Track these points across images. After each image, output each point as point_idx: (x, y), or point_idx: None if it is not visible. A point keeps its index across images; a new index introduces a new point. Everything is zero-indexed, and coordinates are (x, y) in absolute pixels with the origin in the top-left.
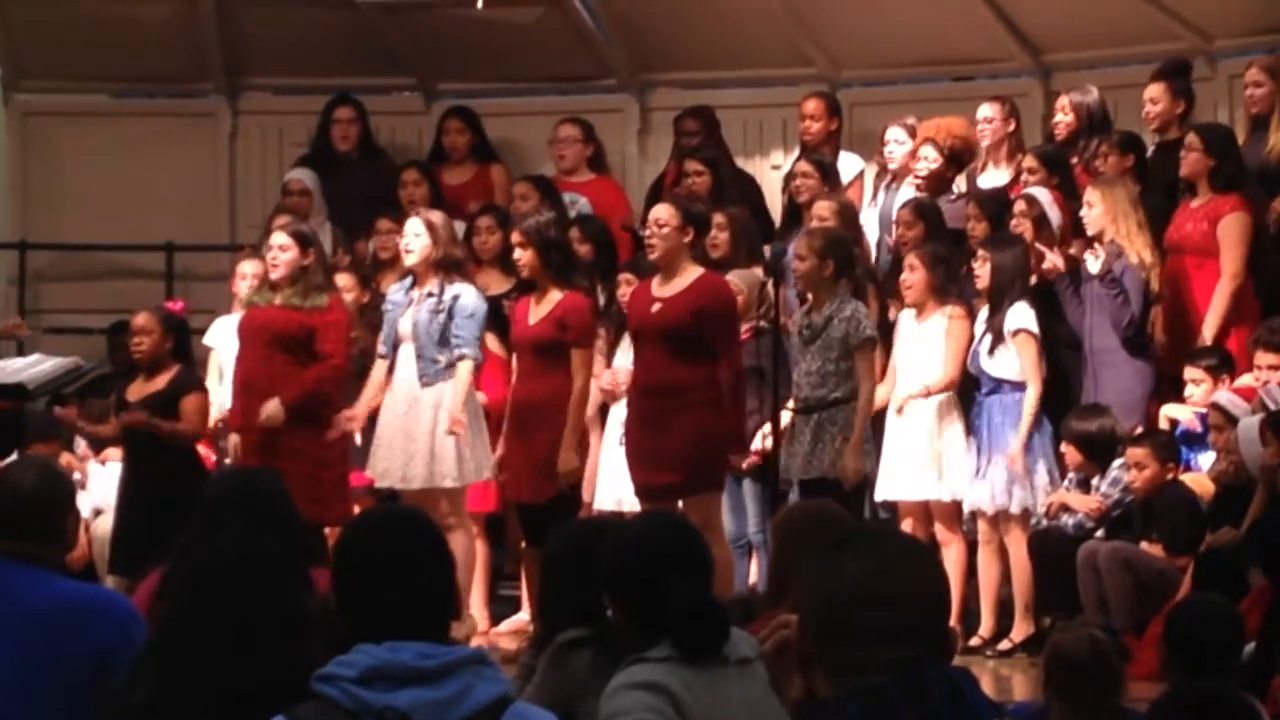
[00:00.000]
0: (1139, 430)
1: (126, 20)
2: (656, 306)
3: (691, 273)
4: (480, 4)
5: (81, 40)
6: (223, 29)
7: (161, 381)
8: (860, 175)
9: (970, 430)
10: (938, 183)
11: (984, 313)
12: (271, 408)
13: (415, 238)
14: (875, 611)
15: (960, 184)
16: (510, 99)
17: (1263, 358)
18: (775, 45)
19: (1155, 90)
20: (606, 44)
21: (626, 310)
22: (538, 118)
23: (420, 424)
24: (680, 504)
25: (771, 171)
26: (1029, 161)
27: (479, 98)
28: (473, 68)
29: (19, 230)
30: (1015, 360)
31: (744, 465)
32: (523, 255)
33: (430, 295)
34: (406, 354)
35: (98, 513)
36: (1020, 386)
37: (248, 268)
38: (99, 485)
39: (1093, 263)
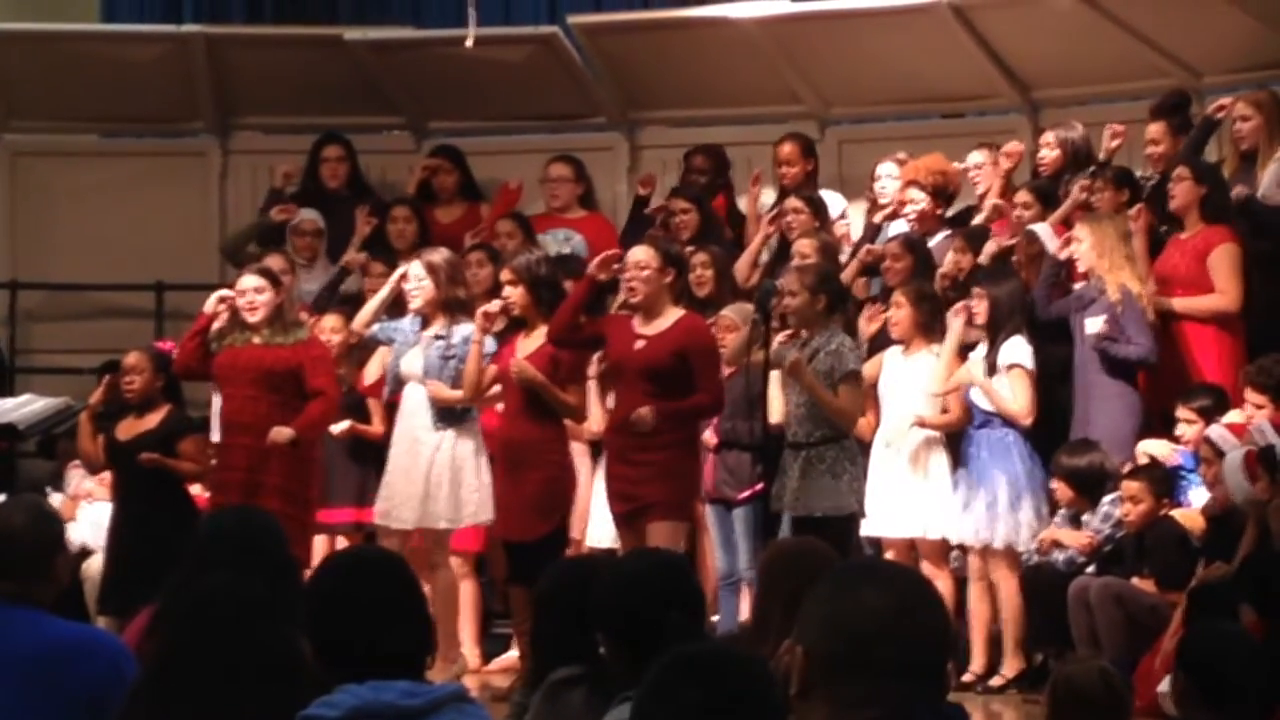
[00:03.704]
0: (1128, 466)
1: (117, 60)
2: (640, 344)
3: (673, 313)
4: (470, 43)
5: (72, 80)
6: (212, 69)
7: (153, 421)
8: (844, 214)
9: (961, 463)
10: (929, 221)
11: (982, 348)
12: (282, 432)
13: (418, 282)
14: (897, 648)
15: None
16: (500, 137)
17: (1252, 396)
18: (764, 83)
19: (1156, 130)
20: (596, 82)
21: (607, 347)
22: (527, 156)
23: (418, 465)
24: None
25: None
26: (1022, 196)
27: (468, 136)
28: (462, 106)
29: (9, 270)
30: (1009, 395)
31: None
32: (513, 292)
33: (439, 338)
34: (414, 394)
35: (87, 553)
36: (1010, 423)
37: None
38: (84, 524)
39: (1093, 324)
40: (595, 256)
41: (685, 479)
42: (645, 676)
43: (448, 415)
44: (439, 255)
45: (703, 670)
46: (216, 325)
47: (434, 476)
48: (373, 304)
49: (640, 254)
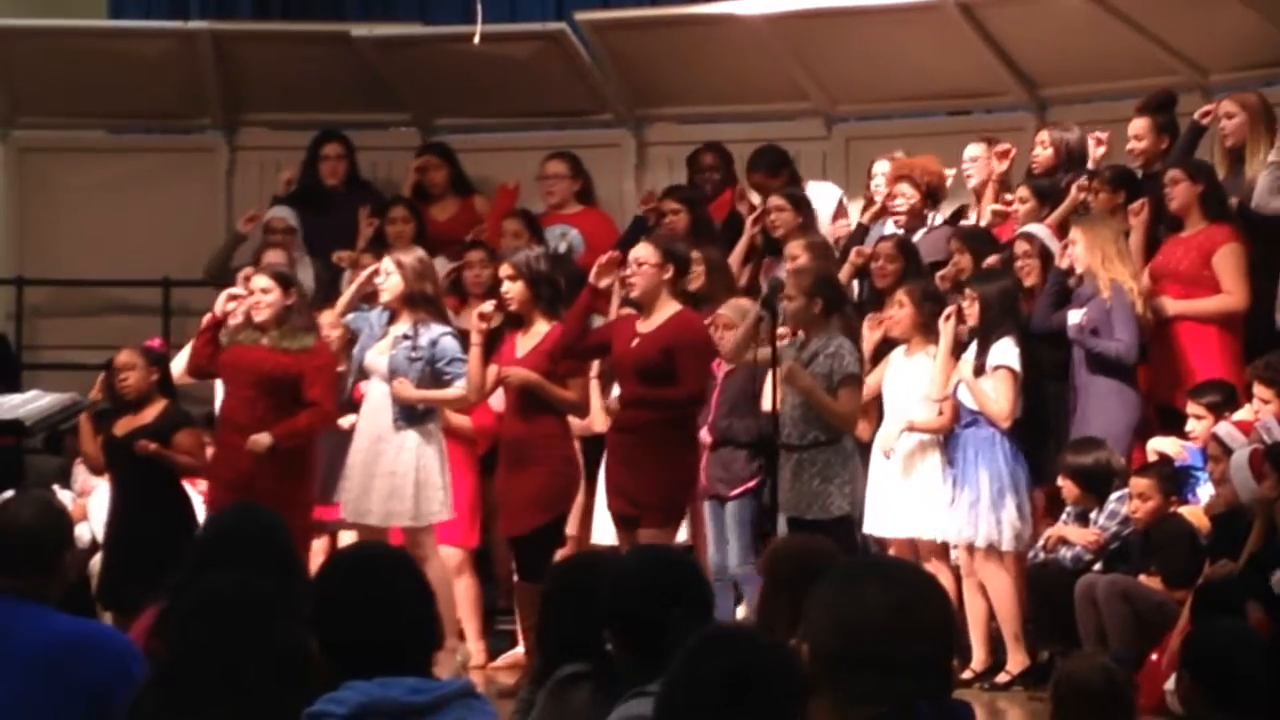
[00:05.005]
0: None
1: (124, 56)
2: (635, 342)
3: (668, 309)
4: (477, 39)
5: (79, 76)
6: (220, 65)
7: (149, 415)
8: (841, 204)
9: (948, 462)
10: (915, 219)
11: (974, 348)
12: (260, 438)
13: (387, 276)
14: (899, 644)
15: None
16: (507, 134)
17: (1260, 391)
18: (772, 80)
19: (1139, 126)
20: (603, 79)
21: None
22: (534, 153)
23: (382, 462)
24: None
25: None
26: (1021, 192)
27: (475, 133)
28: (469, 103)
29: (16, 266)
30: (992, 395)
31: None
32: (512, 288)
33: (405, 338)
34: (377, 389)
35: (97, 548)
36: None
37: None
38: (95, 520)
39: (1073, 316)
40: (592, 251)
41: (667, 485)
42: (675, 654)
43: (409, 415)
44: (410, 255)
45: (729, 646)
46: (231, 323)
47: (399, 475)
48: (348, 294)
49: (640, 251)
